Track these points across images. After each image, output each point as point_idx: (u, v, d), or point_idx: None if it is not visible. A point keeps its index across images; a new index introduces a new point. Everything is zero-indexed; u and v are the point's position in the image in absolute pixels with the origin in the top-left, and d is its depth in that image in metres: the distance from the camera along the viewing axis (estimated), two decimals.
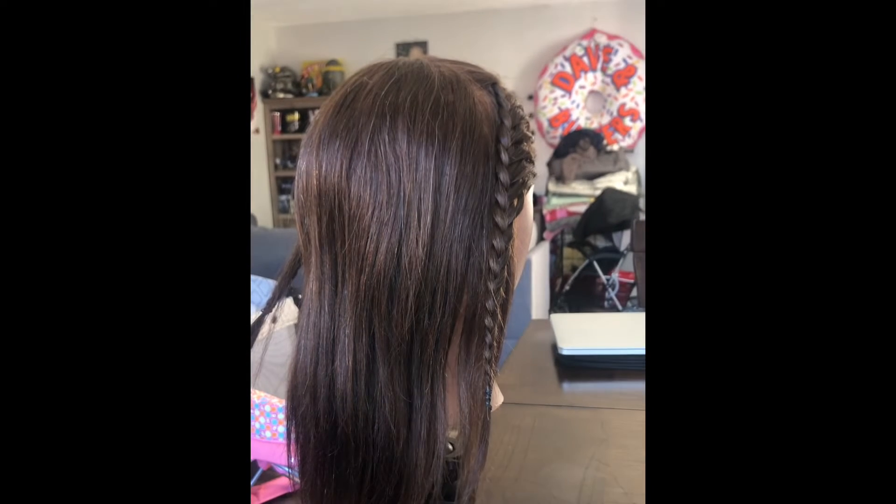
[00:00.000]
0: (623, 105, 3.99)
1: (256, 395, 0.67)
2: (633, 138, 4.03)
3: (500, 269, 0.41)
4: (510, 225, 0.41)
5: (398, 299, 0.40)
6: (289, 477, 0.63)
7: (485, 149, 0.41)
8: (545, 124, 4.14)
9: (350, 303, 0.41)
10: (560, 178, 3.82)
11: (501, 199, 0.41)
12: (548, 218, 3.81)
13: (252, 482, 0.65)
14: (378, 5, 4.08)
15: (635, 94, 3.96)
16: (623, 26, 4.00)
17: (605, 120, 4.06)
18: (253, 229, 2.21)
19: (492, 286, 0.41)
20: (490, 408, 0.43)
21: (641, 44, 3.95)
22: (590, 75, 4.05)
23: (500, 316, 0.42)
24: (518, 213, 0.43)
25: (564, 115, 4.10)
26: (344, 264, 0.41)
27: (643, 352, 0.95)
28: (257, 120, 4.54)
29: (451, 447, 0.50)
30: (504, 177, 0.41)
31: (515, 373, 0.96)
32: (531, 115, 4.10)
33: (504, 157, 0.41)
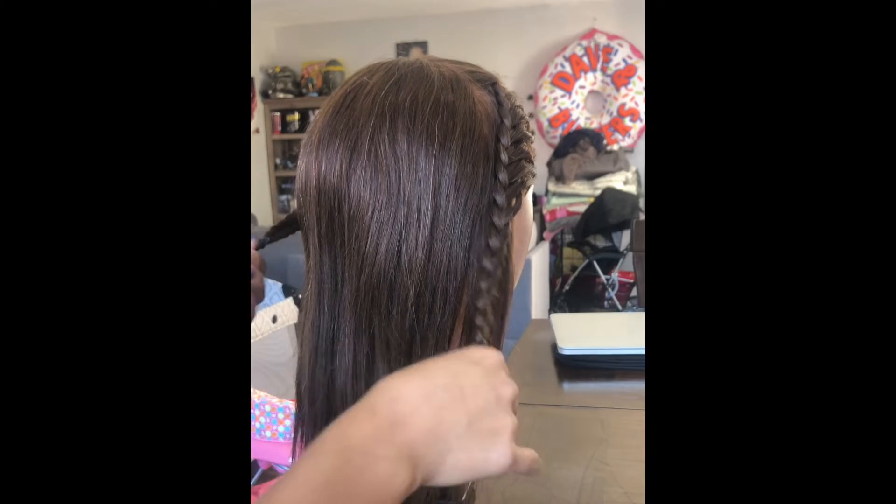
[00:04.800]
0: (623, 105, 3.98)
1: (256, 395, 0.67)
2: (633, 138, 4.03)
3: (493, 268, 0.41)
4: (507, 224, 0.41)
5: (398, 299, 0.40)
6: None
7: (485, 148, 0.41)
8: (545, 124, 4.14)
9: (350, 303, 0.41)
10: (560, 178, 3.82)
11: (500, 198, 0.41)
12: (548, 218, 3.81)
13: (252, 482, 0.65)
14: (378, 5, 4.08)
15: (635, 94, 3.95)
16: (623, 26, 4.00)
17: (605, 120, 4.05)
18: (253, 229, 2.21)
19: (483, 285, 0.41)
20: None
21: (641, 44, 3.95)
22: (590, 75, 4.05)
23: (491, 315, 0.42)
24: (516, 212, 0.42)
25: (564, 115, 4.10)
26: (344, 264, 0.41)
27: (643, 352, 0.95)
28: (257, 120, 4.54)
29: None
30: (503, 176, 0.41)
31: (515, 373, 0.96)
32: (531, 115, 4.09)
33: (504, 156, 0.41)
